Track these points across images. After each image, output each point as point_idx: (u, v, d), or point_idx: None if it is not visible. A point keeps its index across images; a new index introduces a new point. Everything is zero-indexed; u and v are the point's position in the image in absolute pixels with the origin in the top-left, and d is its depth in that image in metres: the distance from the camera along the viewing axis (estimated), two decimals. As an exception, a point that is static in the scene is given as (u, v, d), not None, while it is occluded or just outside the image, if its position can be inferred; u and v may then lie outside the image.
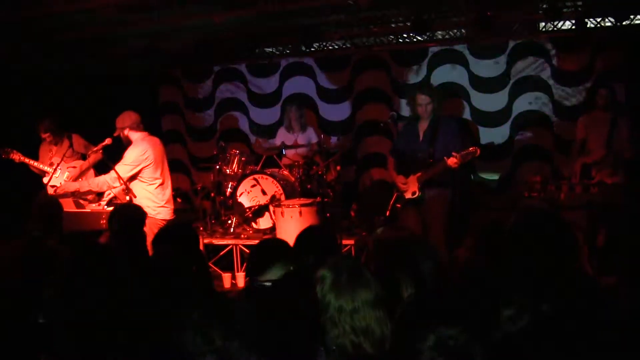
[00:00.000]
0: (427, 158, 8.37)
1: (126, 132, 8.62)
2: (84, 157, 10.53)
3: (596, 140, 9.33)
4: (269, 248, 4.80)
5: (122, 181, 8.36)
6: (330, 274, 3.40)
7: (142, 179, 8.57)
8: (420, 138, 8.59)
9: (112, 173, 8.42)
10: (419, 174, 8.44)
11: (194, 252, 5.46)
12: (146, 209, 7.71)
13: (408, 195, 8.56)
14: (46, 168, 10.20)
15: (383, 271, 4.19)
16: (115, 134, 8.71)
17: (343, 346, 3.22)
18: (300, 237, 5.11)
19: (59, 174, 9.93)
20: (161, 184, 8.70)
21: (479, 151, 8.07)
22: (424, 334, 2.58)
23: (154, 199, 8.62)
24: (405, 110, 11.34)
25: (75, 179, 9.48)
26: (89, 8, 8.70)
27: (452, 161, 8.07)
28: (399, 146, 8.93)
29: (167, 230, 5.69)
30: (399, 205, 8.73)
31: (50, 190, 9.27)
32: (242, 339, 2.94)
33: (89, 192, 8.66)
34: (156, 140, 8.87)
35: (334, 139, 12.38)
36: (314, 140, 11.22)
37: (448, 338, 2.55)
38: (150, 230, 6.85)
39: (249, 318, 3.10)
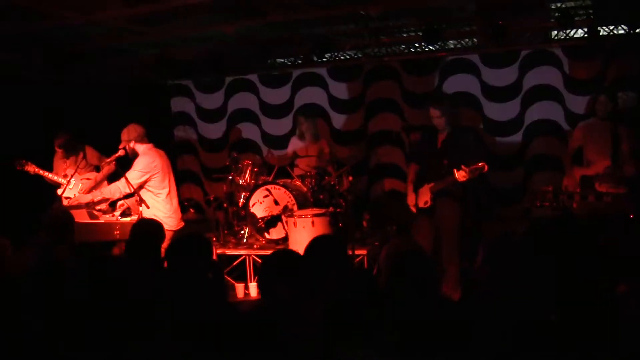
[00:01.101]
0: (441, 168, 8.37)
1: (132, 144, 8.71)
2: (97, 168, 10.60)
3: (597, 151, 9.22)
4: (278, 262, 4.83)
5: (132, 188, 8.41)
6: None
7: (150, 188, 8.64)
8: (438, 147, 8.61)
9: (122, 180, 8.49)
10: (432, 184, 8.44)
11: (208, 261, 5.48)
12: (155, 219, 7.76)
13: (421, 205, 8.56)
14: (60, 180, 10.25)
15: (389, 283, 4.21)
16: (121, 146, 8.78)
17: None
18: (310, 247, 5.10)
19: (72, 186, 9.96)
20: (168, 194, 8.77)
21: (486, 167, 8.06)
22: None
23: (162, 209, 8.69)
24: (416, 121, 11.35)
25: (89, 191, 9.50)
26: (100, 19, 8.75)
27: (460, 175, 8.08)
28: (417, 154, 8.96)
29: (181, 240, 5.69)
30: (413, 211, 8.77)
31: (65, 202, 9.32)
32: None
33: (102, 200, 8.73)
34: (162, 152, 8.98)
35: (346, 150, 12.38)
36: (326, 150, 11.22)
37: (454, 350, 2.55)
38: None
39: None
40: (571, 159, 9.45)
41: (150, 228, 6.77)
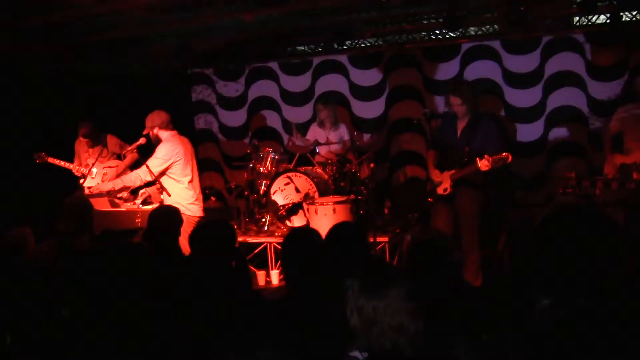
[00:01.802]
0: (462, 156, 8.31)
1: (156, 130, 8.70)
2: (118, 157, 10.62)
3: (636, 138, 8.97)
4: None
5: (153, 176, 8.41)
6: (356, 280, 3.37)
7: (172, 175, 8.63)
8: (458, 135, 8.55)
9: (144, 167, 8.50)
10: (452, 171, 8.40)
11: (232, 249, 5.48)
12: (176, 206, 7.77)
13: (440, 192, 8.53)
14: (81, 169, 10.29)
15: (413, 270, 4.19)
16: (145, 132, 8.79)
17: (382, 345, 3.19)
18: (331, 234, 5.09)
19: (95, 175, 10.00)
20: (190, 181, 8.77)
21: (510, 157, 7.99)
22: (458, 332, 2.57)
23: (184, 196, 8.68)
24: (438, 108, 11.33)
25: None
26: (121, 9, 8.75)
27: (483, 164, 8.01)
28: (437, 140, 8.91)
29: (205, 228, 5.69)
30: (430, 200, 8.70)
31: (86, 191, 9.35)
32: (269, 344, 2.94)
33: (123, 188, 8.73)
34: (185, 139, 8.95)
35: (367, 137, 12.37)
36: (346, 137, 11.22)
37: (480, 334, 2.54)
38: (183, 227, 6.87)
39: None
40: (611, 144, 9.27)
41: (167, 214, 6.78)
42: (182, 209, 8.39)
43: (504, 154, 7.94)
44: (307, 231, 5.43)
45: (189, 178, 8.75)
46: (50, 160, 10.33)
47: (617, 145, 9.18)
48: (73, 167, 10.49)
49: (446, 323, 2.68)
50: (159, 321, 3.75)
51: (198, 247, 5.27)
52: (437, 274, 4.26)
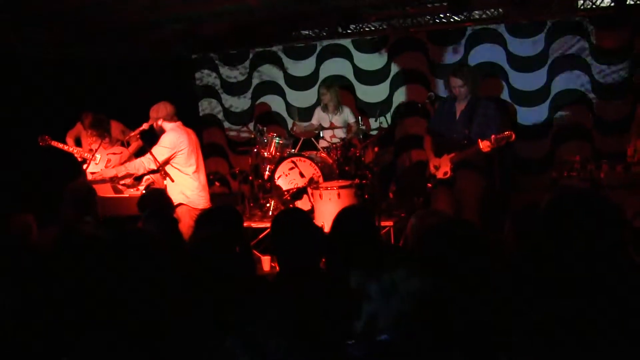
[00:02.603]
0: (462, 139, 8.29)
1: (160, 122, 8.67)
2: (122, 143, 10.62)
3: None
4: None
5: (157, 164, 8.41)
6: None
7: (177, 165, 8.61)
8: (457, 118, 8.52)
9: (148, 155, 8.49)
10: (452, 154, 8.37)
11: (237, 234, 5.47)
12: (180, 196, 7.77)
13: (440, 176, 8.50)
14: (85, 154, 10.31)
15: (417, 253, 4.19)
16: (149, 123, 8.76)
17: (405, 313, 3.16)
18: (338, 219, 5.07)
19: (98, 160, 10.02)
20: (195, 172, 8.74)
21: (514, 136, 7.97)
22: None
23: (189, 187, 8.66)
24: (443, 91, 11.31)
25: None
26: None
27: (485, 145, 7.99)
28: (435, 124, 8.88)
29: (211, 213, 5.69)
30: (429, 185, 8.68)
31: (89, 177, 9.35)
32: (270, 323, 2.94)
33: (127, 175, 8.72)
34: (190, 130, 8.93)
35: (372, 121, 12.36)
36: (351, 120, 11.22)
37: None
38: (185, 218, 6.89)
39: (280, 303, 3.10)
40: (636, 127, 9.25)
41: (159, 196, 6.80)
42: (185, 201, 8.44)
43: (506, 132, 7.92)
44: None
45: (193, 169, 8.73)
46: (54, 143, 10.36)
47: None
48: (76, 151, 10.49)
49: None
50: (157, 307, 3.75)
51: (203, 232, 5.26)
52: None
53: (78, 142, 10.90)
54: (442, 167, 8.48)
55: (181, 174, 8.64)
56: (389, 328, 2.99)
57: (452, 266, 3.58)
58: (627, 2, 10.50)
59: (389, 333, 2.98)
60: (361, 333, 3.08)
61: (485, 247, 3.86)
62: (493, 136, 7.91)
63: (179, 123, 8.77)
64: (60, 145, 10.43)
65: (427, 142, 8.92)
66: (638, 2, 10.56)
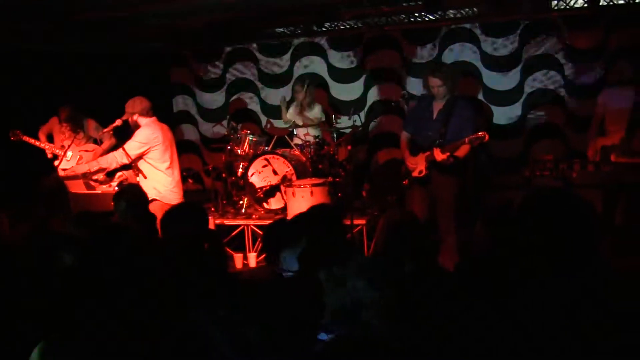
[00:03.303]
0: (438, 138, 8.29)
1: (135, 117, 8.63)
2: (95, 141, 10.58)
3: (614, 120, 9.09)
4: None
5: (130, 158, 8.37)
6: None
7: (150, 160, 8.56)
8: (434, 117, 8.50)
9: (120, 150, 8.45)
10: (427, 153, 8.37)
11: (204, 230, 5.46)
12: (153, 191, 7.73)
13: (415, 174, 8.50)
14: (57, 151, 10.25)
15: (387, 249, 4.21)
16: (124, 118, 8.71)
17: (343, 305, 3.17)
18: (304, 216, 5.07)
19: (70, 157, 9.97)
20: (168, 168, 8.70)
21: (487, 137, 7.98)
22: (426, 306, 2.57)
23: (163, 182, 8.63)
24: (417, 90, 11.33)
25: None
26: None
27: (437, 153, 8.03)
28: (411, 123, 8.88)
29: (175, 210, 5.66)
30: (405, 182, 8.68)
31: (61, 173, 9.31)
32: (245, 311, 2.93)
33: (99, 170, 8.65)
34: (165, 126, 8.89)
35: (345, 119, 12.36)
36: (324, 117, 11.23)
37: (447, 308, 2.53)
38: (158, 214, 6.84)
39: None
40: (596, 127, 9.35)
41: (134, 192, 6.77)
42: (158, 196, 8.41)
43: (480, 133, 7.92)
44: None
45: (167, 164, 8.69)
46: (26, 138, 10.28)
47: (601, 128, 9.25)
48: (47, 147, 10.43)
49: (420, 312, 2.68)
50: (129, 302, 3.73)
51: (168, 230, 5.24)
52: (410, 255, 4.27)
53: (50, 139, 10.81)
54: (418, 166, 8.47)
55: (155, 170, 8.60)
56: (331, 322, 3.02)
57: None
58: (600, 3, 10.56)
59: (330, 328, 3.01)
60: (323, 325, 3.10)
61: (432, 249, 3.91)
62: (466, 138, 7.92)
63: (154, 118, 8.73)
64: (32, 141, 10.36)
65: (402, 140, 8.91)
66: (611, 2, 10.62)
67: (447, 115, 8.32)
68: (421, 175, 8.43)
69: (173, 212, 5.54)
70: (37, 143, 10.41)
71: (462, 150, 8.05)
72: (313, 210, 5.16)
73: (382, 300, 3.14)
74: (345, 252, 3.32)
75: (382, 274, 3.20)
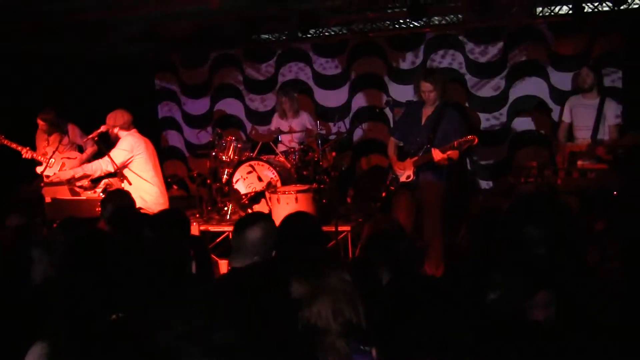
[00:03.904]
0: (426, 143, 8.31)
1: (116, 130, 8.67)
2: (79, 147, 10.55)
3: (581, 127, 9.19)
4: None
5: (115, 166, 8.36)
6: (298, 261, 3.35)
7: (134, 169, 8.59)
8: (423, 122, 8.53)
9: (106, 158, 8.45)
10: (415, 158, 8.39)
11: (187, 237, 5.45)
12: (138, 200, 7.75)
13: (403, 179, 8.52)
14: (40, 157, 10.20)
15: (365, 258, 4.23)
16: (104, 128, 8.70)
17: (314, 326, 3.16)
18: (283, 224, 5.05)
19: (52, 164, 9.94)
20: (153, 177, 8.71)
21: (476, 140, 8.01)
22: (404, 317, 2.55)
23: (148, 191, 8.64)
24: (401, 96, 11.35)
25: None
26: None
27: (437, 154, 8.05)
28: (399, 127, 8.90)
29: (158, 217, 5.64)
30: (392, 188, 8.69)
31: (45, 180, 9.28)
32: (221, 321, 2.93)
33: (84, 176, 8.66)
34: (146, 138, 8.92)
35: (333, 127, 12.36)
36: (309, 125, 11.24)
37: (427, 320, 2.52)
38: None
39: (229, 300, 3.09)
40: (563, 134, 9.43)
41: (121, 197, 6.76)
42: (143, 205, 8.43)
43: (469, 136, 7.94)
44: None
45: (150, 174, 8.72)
46: (6, 142, 10.20)
47: (570, 134, 9.32)
48: (25, 151, 10.32)
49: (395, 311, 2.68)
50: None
51: (149, 238, 5.23)
52: (389, 263, 4.27)
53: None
54: (406, 171, 8.49)
55: (139, 179, 8.61)
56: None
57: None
58: (585, 10, 10.60)
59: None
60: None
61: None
62: (455, 142, 7.94)
63: (134, 130, 8.75)
64: (11, 144, 10.27)
65: (390, 146, 8.94)
66: (595, 9, 10.67)
67: (436, 121, 8.36)
68: (409, 180, 8.46)
69: (156, 218, 5.53)
70: (14, 146, 10.31)
71: (455, 153, 8.08)
72: (287, 220, 5.13)
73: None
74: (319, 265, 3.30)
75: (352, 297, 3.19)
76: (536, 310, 3.18)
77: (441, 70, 11.12)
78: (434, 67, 11.61)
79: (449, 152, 8.03)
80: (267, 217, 5.14)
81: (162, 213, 5.69)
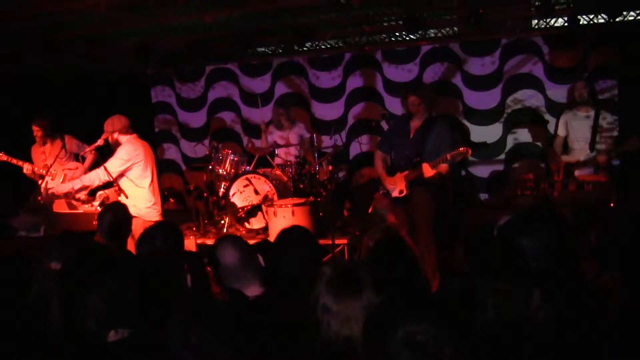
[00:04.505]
0: (415, 157, 8.30)
1: (115, 135, 8.60)
2: (77, 157, 10.52)
3: (577, 138, 9.26)
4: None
5: (112, 177, 8.33)
6: (329, 270, 3.34)
7: (132, 177, 8.54)
8: (411, 136, 8.52)
9: (102, 168, 8.42)
10: (406, 172, 8.38)
11: (180, 250, 5.43)
12: (133, 209, 7.70)
13: (395, 194, 8.50)
14: (40, 170, 10.19)
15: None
16: (104, 137, 8.67)
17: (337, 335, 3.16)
18: (279, 238, 5.02)
19: (55, 176, 9.94)
20: (150, 185, 8.68)
21: (470, 152, 8.01)
22: (392, 328, 2.54)
23: (143, 199, 8.60)
24: (397, 109, 11.35)
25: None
26: (79, 8, 8.68)
27: (427, 169, 8.05)
28: (387, 141, 8.89)
29: (149, 230, 5.60)
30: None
31: (44, 192, 9.26)
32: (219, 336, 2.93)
33: (82, 188, 8.60)
34: (145, 143, 8.87)
35: (326, 139, 12.36)
36: (306, 135, 11.24)
37: (417, 333, 2.51)
38: (137, 231, 6.80)
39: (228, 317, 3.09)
40: (558, 146, 9.47)
41: (119, 211, 6.74)
42: (138, 213, 8.37)
43: (461, 148, 7.94)
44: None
45: (148, 181, 8.67)
46: (6, 158, 10.19)
47: (565, 146, 9.36)
48: (26, 166, 10.32)
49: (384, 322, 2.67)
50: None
51: (143, 250, 5.20)
52: (398, 269, 4.27)
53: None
54: (398, 186, 8.48)
55: (136, 187, 8.58)
56: None
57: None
58: (580, 22, 10.62)
59: None
60: None
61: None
62: (448, 155, 7.93)
63: (134, 135, 8.71)
64: (10, 159, 10.26)
65: (377, 160, 8.93)
66: (591, 21, 10.70)
67: (425, 134, 8.35)
68: (402, 195, 8.44)
69: (148, 232, 5.50)
70: (14, 161, 10.30)
71: (444, 167, 8.09)
72: (284, 233, 5.11)
73: None
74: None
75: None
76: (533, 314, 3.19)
77: (427, 85, 11.18)
78: (422, 82, 11.68)
79: (439, 168, 8.05)
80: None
81: (154, 227, 5.63)
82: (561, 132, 9.45)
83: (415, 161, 8.27)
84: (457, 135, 10.07)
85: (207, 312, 3.09)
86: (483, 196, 11.99)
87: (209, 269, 5.10)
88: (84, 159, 10.34)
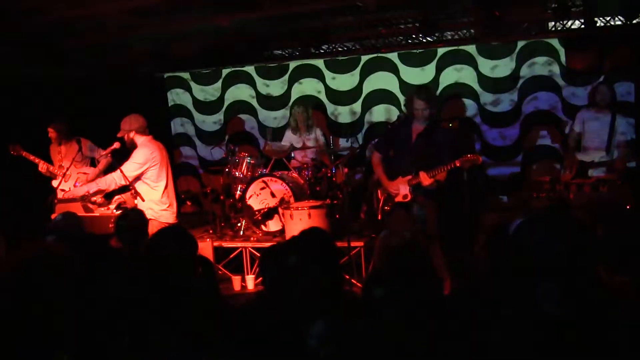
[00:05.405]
0: (416, 161, 8.25)
1: (132, 134, 8.64)
2: (93, 161, 10.57)
3: (593, 139, 9.30)
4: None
5: (128, 180, 8.37)
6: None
7: (147, 180, 8.58)
8: (413, 140, 8.47)
9: (118, 172, 8.45)
10: (408, 177, 8.33)
11: (194, 255, 5.42)
12: (149, 212, 7.73)
13: (399, 199, 8.44)
14: (56, 171, 10.24)
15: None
16: (120, 135, 8.71)
17: None
18: (297, 240, 5.02)
19: (68, 177, 9.98)
20: (165, 187, 8.71)
21: (480, 159, 7.99)
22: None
23: (158, 202, 8.63)
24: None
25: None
26: (93, 14, 8.73)
27: (424, 177, 8.04)
28: (387, 144, 8.84)
29: (160, 235, 5.59)
30: (387, 208, 8.64)
31: (60, 194, 9.30)
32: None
33: (98, 192, 8.65)
34: (161, 144, 8.91)
35: (343, 142, 12.36)
36: (321, 140, 11.23)
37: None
38: (151, 233, 6.83)
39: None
40: (572, 141, 9.47)
41: (137, 216, 6.76)
42: (154, 215, 8.39)
43: (470, 156, 7.91)
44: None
45: (163, 184, 8.70)
46: (25, 154, 10.26)
47: (578, 145, 9.37)
48: (41, 164, 10.37)
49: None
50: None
51: (156, 254, 5.20)
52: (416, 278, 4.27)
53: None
54: (401, 191, 8.42)
55: (151, 190, 8.61)
56: None
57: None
58: (597, 24, 10.60)
59: None
60: None
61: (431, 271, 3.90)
62: (457, 161, 7.90)
63: (150, 137, 8.75)
64: (29, 156, 10.32)
65: (375, 162, 8.87)
66: (608, 23, 10.67)
67: (427, 139, 8.29)
68: (406, 200, 8.39)
69: (160, 236, 5.50)
70: (32, 158, 10.36)
71: (442, 175, 8.07)
72: (304, 234, 5.10)
73: None
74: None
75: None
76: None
77: (433, 90, 11.15)
78: (428, 86, 11.63)
79: (437, 177, 8.04)
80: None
81: (164, 231, 5.62)
82: (577, 127, 9.46)
83: (418, 165, 8.21)
84: (464, 143, 10.04)
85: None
86: (501, 199, 11.96)
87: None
88: (98, 162, 10.39)
